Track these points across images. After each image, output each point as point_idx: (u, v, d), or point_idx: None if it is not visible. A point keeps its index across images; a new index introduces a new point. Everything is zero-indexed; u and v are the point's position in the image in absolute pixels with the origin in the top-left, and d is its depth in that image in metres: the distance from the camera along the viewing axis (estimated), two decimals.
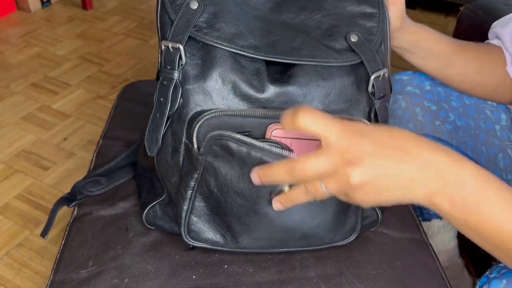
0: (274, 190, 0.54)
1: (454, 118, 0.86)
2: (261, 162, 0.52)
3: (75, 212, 0.73)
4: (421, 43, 0.74)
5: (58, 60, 1.87)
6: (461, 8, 1.06)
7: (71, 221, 0.72)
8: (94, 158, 0.82)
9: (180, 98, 0.58)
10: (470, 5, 1.04)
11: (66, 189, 1.33)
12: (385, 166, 0.45)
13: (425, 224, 0.99)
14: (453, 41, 0.77)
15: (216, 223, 0.61)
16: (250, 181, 0.54)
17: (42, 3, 2.19)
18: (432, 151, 0.47)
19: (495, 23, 0.82)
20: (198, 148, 0.56)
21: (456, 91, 0.87)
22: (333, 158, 0.45)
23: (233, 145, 0.53)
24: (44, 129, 1.54)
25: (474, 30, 1.01)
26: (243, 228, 0.60)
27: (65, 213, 0.74)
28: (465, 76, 0.78)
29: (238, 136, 0.52)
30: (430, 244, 0.71)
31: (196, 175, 0.58)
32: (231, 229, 0.61)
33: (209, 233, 0.62)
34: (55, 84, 1.74)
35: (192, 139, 0.56)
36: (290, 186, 0.53)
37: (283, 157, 0.51)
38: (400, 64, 1.85)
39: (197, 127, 0.56)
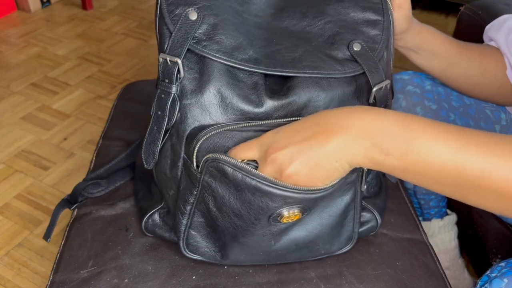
0: (272, 214, 0.54)
1: (455, 118, 0.86)
2: (257, 189, 0.51)
3: (75, 212, 0.72)
4: (427, 44, 0.74)
5: (58, 60, 1.86)
6: (461, 8, 1.06)
7: (71, 221, 0.71)
8: (94, 158, 0.82)
9: (178, 113, 0.57)
10: (470, 5, 1.04)
11: (66, 189, 1.33)
12: (302, 153, 0.48)
13: (425, 224, 0.99)
14: (457, 43, 0.77)
15: (214, 239, 0.61)
16: (247, 204, 0.53)
17: (42, 3, 2.19)
18: (344, 115, 0.48)
19: (488, 26, 0.82)
20: (197, 166, 0.55)
21: (457, 91, 0.86)
22: (259, 151, 0.51)
23: (228, 170, 0.52)
24: (44, 129, 1.54)
25: (474, 30, 1.00)
26: (239, 247, 0.59)
27: (65, 213, 0.74)
28: (468, 78, 0.78)
29: (234, 161, 0.51)
30: (430, 244, 0.71)
31: (195, 192, 0.57)
32: (227, 247, 0.60)
33: (208, 247, 0.62)
34: (55, 84, 1.74)
35: (191, 157, 0.55)
36: (288, 211, 0.53)
37: (278, 184, 0.50)
38: (401, 64, 1.85)
39: (197, 146, 0.55)
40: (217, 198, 0.55)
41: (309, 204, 0.53)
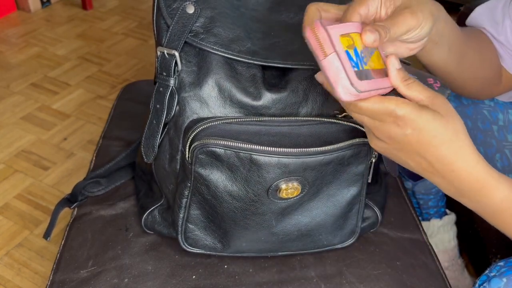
0: (270, 187, 0.54)
1: None
2: (252, 163, 0.52)
3: (75, 212, 0.73)
4: (445, 30, 0.62)
5: (58, 60, 1.86)
6: (461, 8, 1.06)
7: (71, 221, 0.72)
8: (94, 158, 0.82)
9: (176, 106, 0.57)
10: (470, 5, 1.04)
11: (66, 189, 1.33)
12: (407, 162, 0.49)
13: (425, 224, 0.99)
14: (460, 28, 0.66)
15: (213, 230, 0.61)
16: (244, 182, 0.54)
17: (42, 3, 2.19)
18: (458, 175, 0.49)
19: (470, 18, 0.75)
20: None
21: (457, 91, 0.86)
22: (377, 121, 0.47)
23: (219, 151, 0.53)
24: (44, 129, 1.54)
25: None
26: (240, 232, 0.60)
27: (65, 213, 0.74)
28: (473, 72, 0.68)
29: (223, 141, 0.52)
30: (430, 244, 0.71)
31: (189, 184, 0.57)
32: (228, 234, 0.60)
33: (207, 239, 0.62)
34: (55, 84, 1.74)
35: (185, 148, 0.56)
36: (286, 183, 0.54)
37: (271, 151, 0.51)
38: None
39: (191, 137, 0.55)
40: (211, 186, 0.56)
41: (307, 176, 0.54)
